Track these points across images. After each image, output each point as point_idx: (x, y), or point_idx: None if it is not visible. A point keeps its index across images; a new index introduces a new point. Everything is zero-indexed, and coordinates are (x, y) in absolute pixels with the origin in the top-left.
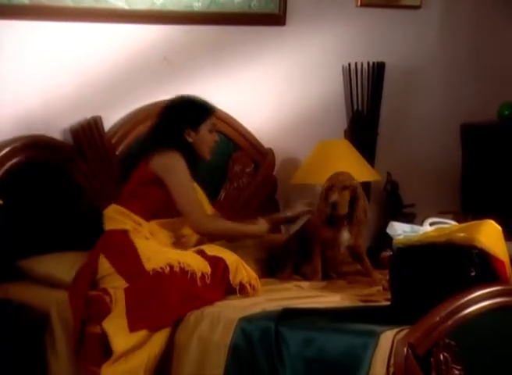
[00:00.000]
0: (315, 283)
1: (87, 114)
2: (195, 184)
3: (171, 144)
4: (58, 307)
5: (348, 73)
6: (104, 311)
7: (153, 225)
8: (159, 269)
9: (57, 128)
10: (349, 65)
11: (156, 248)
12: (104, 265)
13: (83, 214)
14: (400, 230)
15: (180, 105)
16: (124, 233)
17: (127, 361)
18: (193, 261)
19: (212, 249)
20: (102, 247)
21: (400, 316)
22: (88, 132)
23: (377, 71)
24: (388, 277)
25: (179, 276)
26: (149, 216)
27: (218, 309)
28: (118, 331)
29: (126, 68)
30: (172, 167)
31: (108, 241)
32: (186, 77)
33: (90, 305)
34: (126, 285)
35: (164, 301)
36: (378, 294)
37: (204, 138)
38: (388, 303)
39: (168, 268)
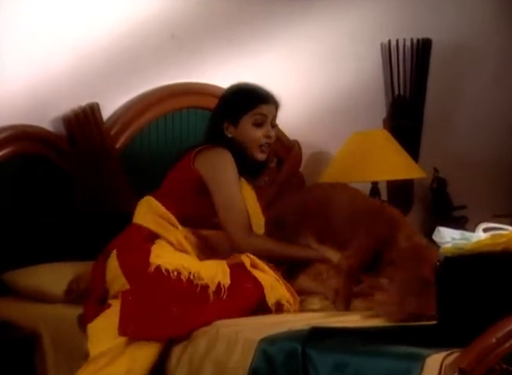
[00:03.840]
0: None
1: (83, 101)
2: (245, 186)
3: (214, 141)
4: (49, 324)
5: (388, 51)
6: None
7: (188, 233)
8: (164, 272)
9: (48, 117)
10: (389, 42)
11: (172, 251)
12: (113, 264)
13: (78, 216)
14: (448, 237)
15: (224, 96)
16: (148, 232)
17: (104, 366)
18: (208, 271)
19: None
20: (117, 242)
21: (449, 337)
22: (83, 121)
23: (422, 49)
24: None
25: (185, 287)
26: (181, 222)
27: (236, 328)
28: (99, 332)
29: (128, 47)
30: (216, 166)
31: (127, 235)
32: (198, 57)
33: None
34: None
35: (163, 310)
36: None
37: (247, 133)
38: (434, 321)
39: (175, 273)
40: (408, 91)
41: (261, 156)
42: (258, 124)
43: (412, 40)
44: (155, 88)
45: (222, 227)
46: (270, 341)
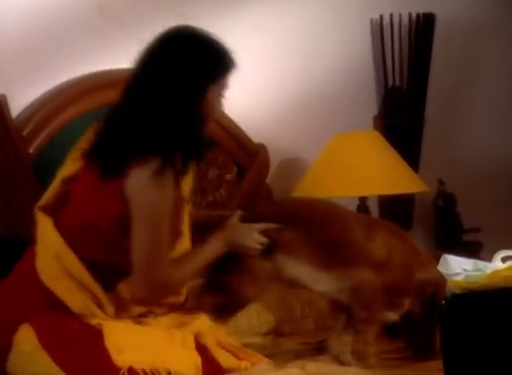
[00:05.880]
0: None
1: None
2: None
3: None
4: None
5: (380, 30)
6: None
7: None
8: (140, 372)
9: None
10: (381, 18)
11: (127, 331)
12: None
13: None
14: (457, 268)
15: (185, 49)
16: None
17: None
18: (187, 367)
19: (220, 349)
20: (38, 333)
21: None
22: None
23: (423, 27)
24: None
25: None
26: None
27: None
28: None
29: (44, 24)
30: (153, 201)
31: (49, 321)
32: (137, 38)
33: None
34: None
35: None
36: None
37: (213, 108)
38: None
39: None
40: (405, 81)
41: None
42: (223, 96)
43: (410, 15)
44: (81, 77)
45: (136, 269)
46: None
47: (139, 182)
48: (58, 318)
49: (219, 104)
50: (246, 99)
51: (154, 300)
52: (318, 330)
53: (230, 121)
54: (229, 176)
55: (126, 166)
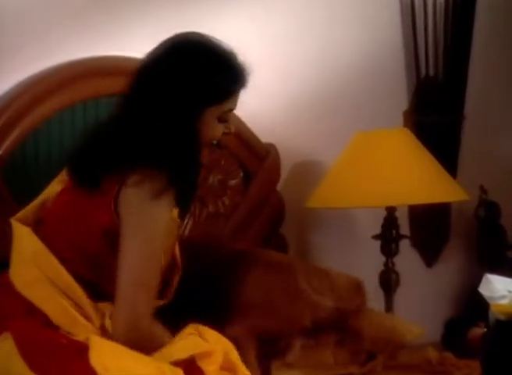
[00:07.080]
0: None
1: None
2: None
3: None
4: None
5: (411, 10)
6: None
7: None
8: None
9: None
10: None
11: (119, 358)
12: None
13: None
14: (502, 290)
15: (191, 66)
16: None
17: None
18: None
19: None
20: (22, 349)
21: None
22: None
23: (462, 7)
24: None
25: None
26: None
27: None
28: None
29: (14, 8)
30: (150, 216)
31: (30, 337)
32: (124, 22)
33: None
34: None
35: None
36: None
37: (208, 129)
38: None
39: None
40: (441, 71)
41: (204, 160)
42: (223, 120)
43: None
44: (59, 66)
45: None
46: None
47: (139, 194)
48: (42, 329)
49: (218, 128)
50: (253, 93)
51: (129, 340)
52: None
53: (237, 118)
54: (233, 182)
55: (125, 176)
